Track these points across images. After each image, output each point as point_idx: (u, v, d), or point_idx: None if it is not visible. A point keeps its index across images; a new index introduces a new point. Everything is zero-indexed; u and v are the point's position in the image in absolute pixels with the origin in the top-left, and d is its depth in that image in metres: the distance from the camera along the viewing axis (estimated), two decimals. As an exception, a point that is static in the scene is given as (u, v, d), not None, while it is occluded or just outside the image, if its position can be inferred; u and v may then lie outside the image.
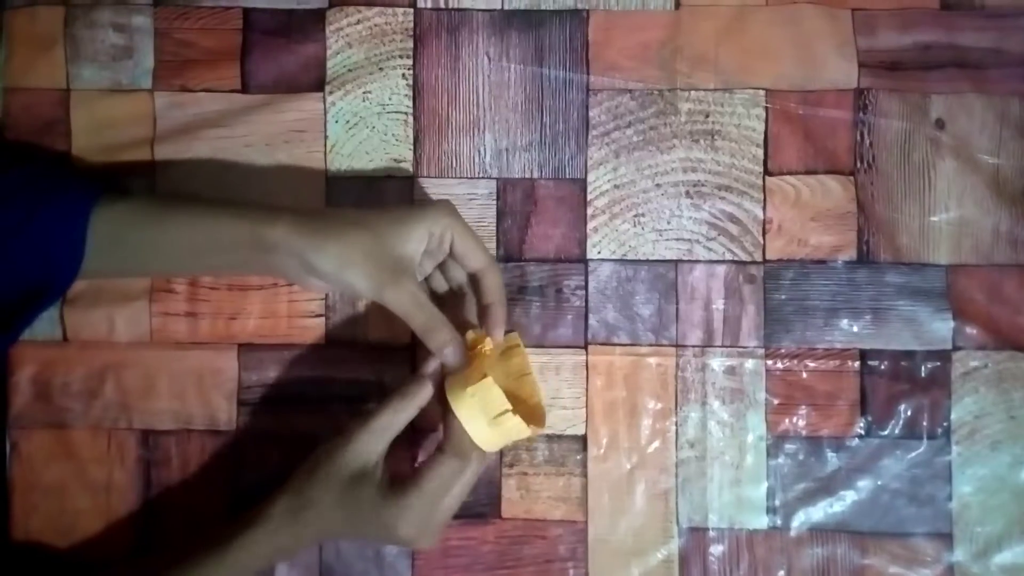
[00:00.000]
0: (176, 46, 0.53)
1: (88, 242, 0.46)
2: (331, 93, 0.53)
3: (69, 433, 0.52)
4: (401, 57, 0.53)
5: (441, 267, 0.49)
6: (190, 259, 0.48)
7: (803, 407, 0.52)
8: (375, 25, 0.53)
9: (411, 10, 0.53)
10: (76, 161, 0.53)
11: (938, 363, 0.52)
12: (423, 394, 0.46)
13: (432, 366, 0.46)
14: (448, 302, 0.50)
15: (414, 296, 0.44)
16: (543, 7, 0.53)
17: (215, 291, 0.52)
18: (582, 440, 0.52)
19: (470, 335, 0.47)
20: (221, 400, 0.52)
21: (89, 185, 0.48)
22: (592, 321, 0.52)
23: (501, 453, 0.51)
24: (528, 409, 0.47)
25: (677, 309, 0.52)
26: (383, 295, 0.44)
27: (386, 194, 0.53)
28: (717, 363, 0.52)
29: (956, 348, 0.52)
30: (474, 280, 0.48)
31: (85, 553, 0.52)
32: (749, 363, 0.52)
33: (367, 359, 0.52)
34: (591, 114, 0.53)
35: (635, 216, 0.53)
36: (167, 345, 0.52)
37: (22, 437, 0.52)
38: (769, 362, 0.52)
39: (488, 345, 0.47)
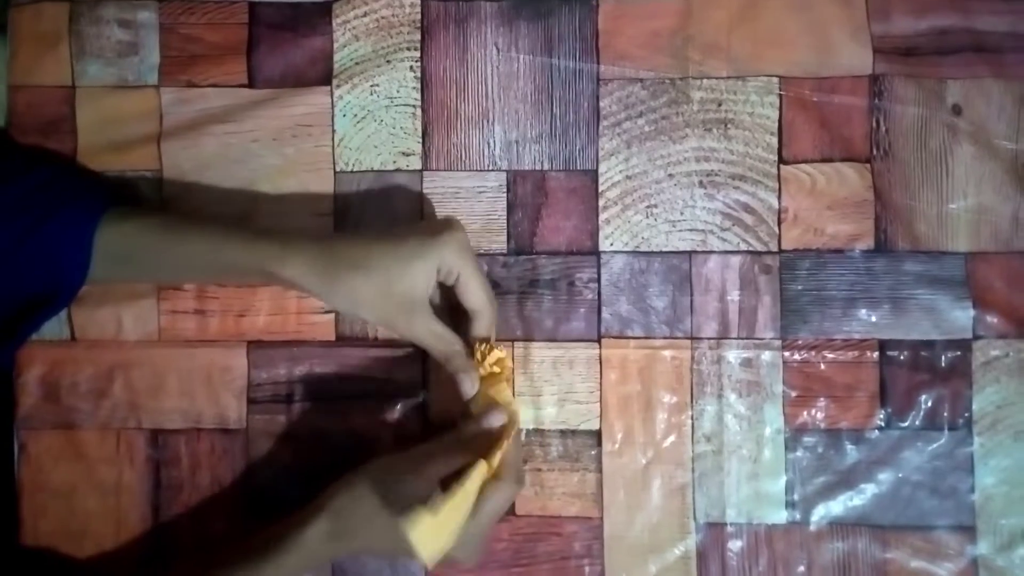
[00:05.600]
0: (182, 41, 0.53)
1: (94, 255, 0.46)
2: (338, 87, 0.52)
3: (78, 433, 0.51)
4: (409, 49, 0.52)
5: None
6: (196, 277, 0.50)
7: (821, 399, 0.51)
8: (382, 17, 0.52)
9: (418, 1, 0.52)
10: (84, 160, 0.52)
11: (958, 352, 0.51)
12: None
13: (498, 420, 0.46)
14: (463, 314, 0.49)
15: (428, 330, 0.46)
16: (552, -3, 0.52)
17: (224, 289, 0.52)
18: (596, 435, 0.51)
19: (479, 349, 0.47)
20: (231, 398, 0.51)
21: (98, 196, 0.47)
22: (605, 314, 0.51)
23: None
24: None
25: (692, 301, 0.51)
26: (398, 331, 0.46)
27: (395, 188, 0.52)
28: (733, 355, 0.51)
29: (976, 337, 0.51)
30: (469, 314, 0.48)
31: (95, 554, 0.51)
32: (766, 355, 0.51)
33: (377, 356, 0.52)
34: (602, 104, 0.52)
35: (648, 207, 0.52)
36: (176, 343, 0.52)
37: (31, 438, 0.51)
38: (786, 354, 0.51)
39: (492, 359, 0.47)
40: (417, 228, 0.48)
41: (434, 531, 0.40)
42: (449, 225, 0.46)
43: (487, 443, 0.45)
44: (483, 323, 0.47)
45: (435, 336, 0.46)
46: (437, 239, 0.45)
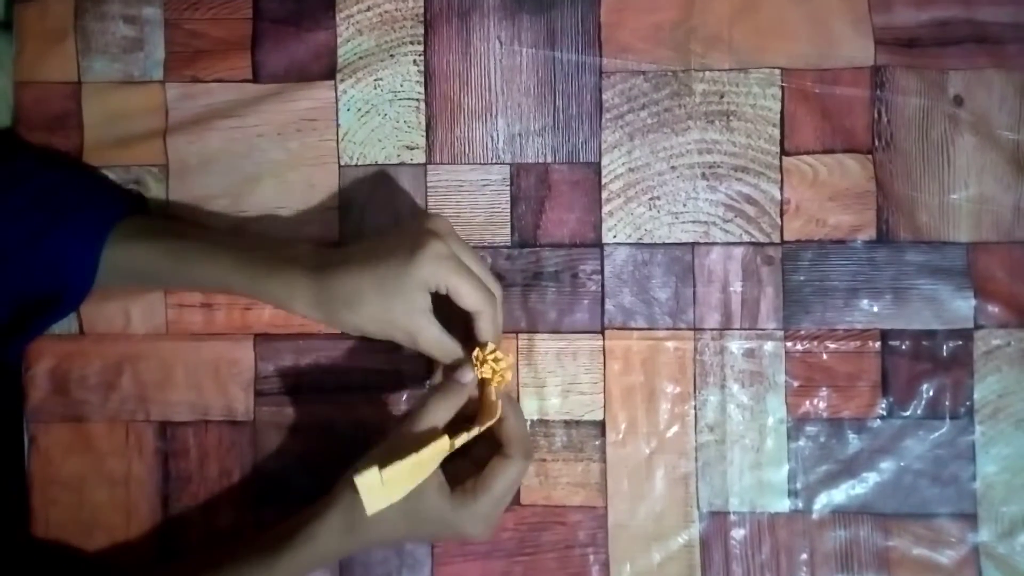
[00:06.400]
0: (187, 37, 0.53)
1: (101, 266, 0.46)
2: (342, 81, 0.53)
3: (87, 426, 0.52)
4: (412, 43, 0.53)
5: None
6: (203, 290, 0.51)
7: (824, 389, 0.51)
8: (385, 11, 0.53)
9: (421, -5, 0.53)
10: (90, 155, 0.52)
11: (960, 342, 0.51)
12: (458, 397, 0.47)
13: (467, 375, 0.47)
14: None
15: (430, 341, 0.46)
16: (554, -10, 0.53)
17: (230, 282, 0.52)
18: (600, 425, 0.52)
19: (477, 353, 0.47)
20: (238, 391, 0.52)
21: (108, 205, 0.48)
22: (609, 306, 0.52)
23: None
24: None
25: (694, 292, 0.52)
26: (405, 344, 0.46)
27: (400, 181, 0.52)
28: (736, 346, 0.51)
29: (978, 327, 0.51)
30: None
31: (104, 546, 0.52)
32: (768, 345, 0.51)
33: (382, 348, 0.52)
34: (604, 97, 0.52)
35: (650, 199, 0.52)
36: (183, 336, 0.52)
37: (40, 431, 0.52)
38: (789, 344, 0.51)
39: (490, 368, 0.47)
40: (398, 244, 0.45)
41: (381, 488, 0.42)
42: (425, 235, 0.44)
43: (484, 419, 0.45)
44: (484, 323, 0.46)
45: (438, 348, 0.46)
46: (413, 261, 0.44)
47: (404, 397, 0.52)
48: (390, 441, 0.45)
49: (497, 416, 0.45)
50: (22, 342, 0.50)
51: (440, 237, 0.45)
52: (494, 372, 0.47)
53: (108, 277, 0.47)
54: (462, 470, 0.46)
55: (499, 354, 0.47)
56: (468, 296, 0.45)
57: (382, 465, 0.41)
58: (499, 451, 0.45)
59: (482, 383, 0.47)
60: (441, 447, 0.43)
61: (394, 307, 0.45)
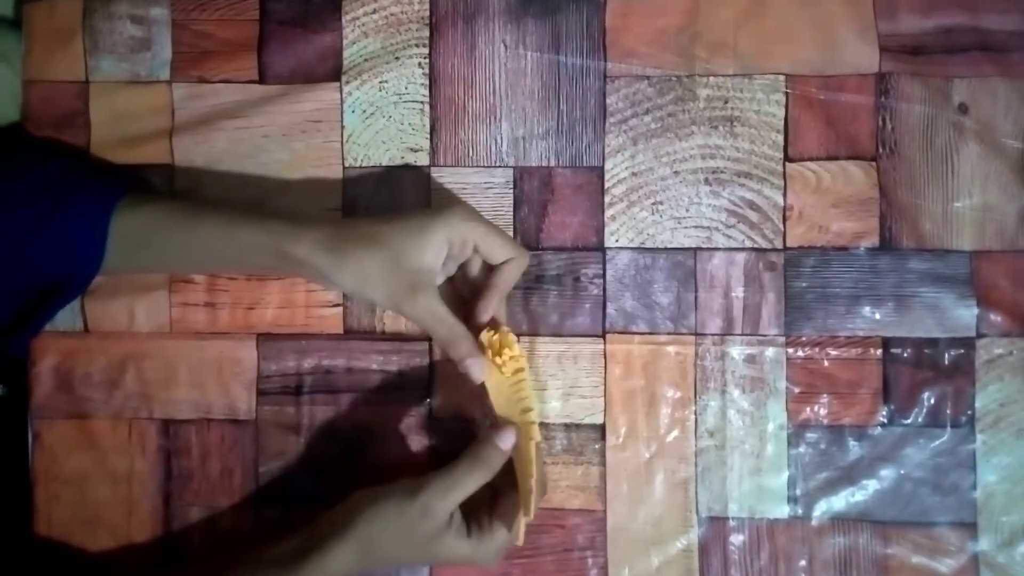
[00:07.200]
0: (193, 37, 0.53)
1: (108, 243, 0.46)
2: (348, 83, 0.53)
3: (90, 423, 0.52)
4: (417, 46, 0.53)
5: (463, 264, 0.49)
6: (211, 264, 0.50)
7: (824, 395, 0.51)
8: (391, 14, 0.53)
9: (427, -2, 0.53)
10: (96, 154, 0.53)
11: (962, 350, 0.51)
12: (496, 462, 0.47)
13: (509, 440, 0.47)
14: (468, 298, 0.49)
15: (431, 311, 0.46)
16: (559, -6, 0.53)
17: (234, 281, 0.52)
18: (600, 429, 0.52)
19: (485, 337, 0.47)
20: (240, 390, 0.52)
21: (112, 184, 0.48)
22: (610, 310, 0.52)
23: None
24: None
25: (696, 297, 0.52)
26: (401, 309, 0.47)
27: (403, 183, 0.53)
28: (737, 351, 0.51)
29: (980, 335, 0.51)
30: (502, 266, 0.48)
31: (106, 542, 0.52)
32: (769, 351, 0.51)
33: (384, 349, 0.52)
34: (608, 101, 0.52)
35: (653, 204, 0.52)
36: (187, 335, 0.52)
37: (44, 427, 0.52)
38: (790, 350, 0.51)
39: (507, 357, 0.47)
40: (426, 209, 0.50)
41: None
42: (456, 200, 0.48)
43: (509, 464, 0.47)
44: (514, 270, 0.47)
45: (437, 318, 0.46)
46: (443, 212, 0.46)
47: (405, 398, 0.52)
48: (406, 487, 0.46)
49: (535, 435, 0.47)
50: (32, 332, 0.50)
51: (467, 206, 0.48)
52: (511, 359, 0.47)
53: (115, 252, 0.47)
54: (475, 498, 0.46)
55: (515, 348, 0.47)
56: (502, 245, 0.47)
57: (524, 511, 0.45)
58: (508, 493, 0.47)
59: (508, 383, 0.48)
60: (534, 451, 0.46)
61: (410, 252, 0.45)
